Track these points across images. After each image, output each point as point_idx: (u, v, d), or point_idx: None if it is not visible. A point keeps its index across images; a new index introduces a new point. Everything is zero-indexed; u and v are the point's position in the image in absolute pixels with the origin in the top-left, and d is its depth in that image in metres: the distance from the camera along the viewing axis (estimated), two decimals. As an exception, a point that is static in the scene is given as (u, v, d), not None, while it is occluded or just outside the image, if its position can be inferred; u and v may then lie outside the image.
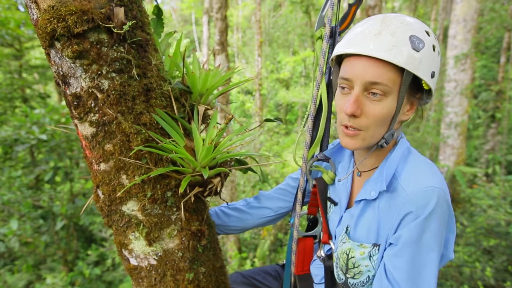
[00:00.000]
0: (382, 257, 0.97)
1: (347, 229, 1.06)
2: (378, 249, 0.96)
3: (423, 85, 0.91)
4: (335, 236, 1.15)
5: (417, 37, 0.88)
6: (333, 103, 1.08)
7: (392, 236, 0.92)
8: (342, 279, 1.05)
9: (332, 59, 1.02)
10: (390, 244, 0.93)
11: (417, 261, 0.88)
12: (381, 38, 0.87)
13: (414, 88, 0.93)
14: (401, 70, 0.88)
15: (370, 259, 0.98)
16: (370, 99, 0.90)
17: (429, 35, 0.90)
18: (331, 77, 1.09)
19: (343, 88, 0.94)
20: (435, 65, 0.92)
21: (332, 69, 1.06)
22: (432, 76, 0.91)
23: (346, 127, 0.94)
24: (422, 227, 0.87)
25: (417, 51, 0.87)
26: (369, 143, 0.95)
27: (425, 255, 0.88)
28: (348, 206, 1.11)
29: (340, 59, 0.99)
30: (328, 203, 1.20)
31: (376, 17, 0.93)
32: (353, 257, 1.00)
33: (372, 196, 0.98)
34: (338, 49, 0.95)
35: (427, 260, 0.88)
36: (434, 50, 0.90)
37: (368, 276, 0.99)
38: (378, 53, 0.85)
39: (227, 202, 1.39)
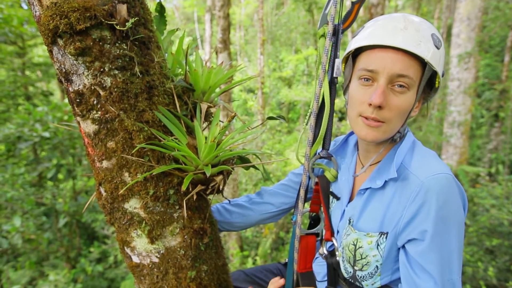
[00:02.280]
0: (390, 245, 0.97)
1: (350, 221, 1.06)
2: (386, 237, 0.97)
3: (436, 82, 0.95)
4: (337, 231, 1.15)
5: (436, 36, 0.92)
6: (336, 101, 1.08)
7: (411, 228, 0.92)
8: (350, 272, 1.05)
9: (349, 52, 1.01)
10: (414, 239, 0.92)
11: (447, 250, 0.89)
12: (408, 32, 0.89)
13: (427, 84, 0.97)
14: (423, 65, 0.91)
15: (377, 248, 0.98)
16: (394, 91, 0.92)
17: (439, 34, 0.95)
18: (334, 75, 1.09)
19: (365, 79, 0.94)
20: (444, 62, 0.96)
21: (344, 62, 1.06)
22: (443, 75, 0.95)
23: (367, 118, 0.94)
24: (443, 215, 0.88)
25: (438, 48, 0.91)
26: (387, 136, 0.97)
27: (453, 240, 0.89)
28: (350, 200, 1.12)
29: (357, 52, 0.99)
30: (331, 198, 1.20)
31: (393, 15, 0.96)
32: (361, 247, 1.00)
33: (378, 185, 0.99)
34: (360, 42, 0.95)
35: (455, 244, 0.89)
36: (444, 48, 0.94)
37: (376, 266, 0.99)
38: (409, 46, 0.87)
39: (229, 200, 1.39)
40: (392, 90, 0.92)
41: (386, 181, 0.98)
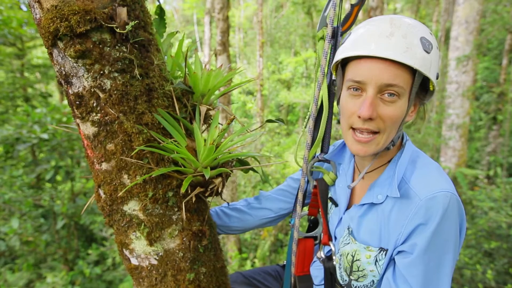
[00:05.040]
0: (388, 262, 0.96)
1: (349, 230, 1.05)
2: (385, 254, 0.95)
3: (430, 86, 0.92)
4: (335, 237, 1.15)
5: (426, 39, 0.88)
6: (335, 103, 1.08)
7: (405, 243, 0.91)
8: (346, 280, 1.05)
9: (337, 62, 0.98)
10: (403, 251, 0.92)
11: (433, 267, 0.88)
12: (394, 39, 0.85)
13: (420, 89, 0.94)
14: (413, 72, 0.88)
15: (376, 264, 0.97)
16: (384, 101, 0.88)
17: (431, 36, 0.91)
18: (333, 78, 1.09)
19: (353, 90, 0.91)
20: (439, 66, 0.92)
21: (335, 71, 1.05)
22: (437, 77, 0.92)
23: (354, 130, 0.92)
24: (438, 233, 0.86)
25: (428, 52, 0.87)
26: (381, 148, 0.93)
27: (440, 259, 0.88)
28: (348, 208, 1.11)
29: (345, 61, 0.96)
30: (329, 203, 1.20)
31: (381, 18, 0.92)
32: (358, 260, 0.99)
33: (379, 200, 0.97)
34: (346, 52, 0.92)
35: (443, 263, 0.88)
36: (438, 50, 0.91)
37: (373, 281, 0.99)
38: (395, 55, 0.84)
39: (228, 203, 1.39)
40: (382, 100, 0.88)
41: (387, 196, 0.96)
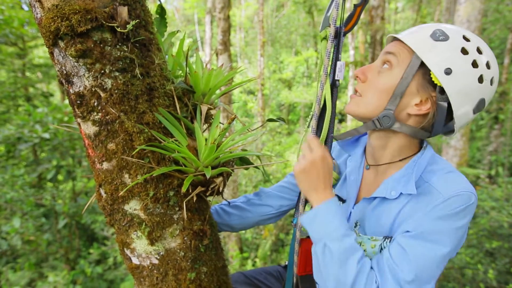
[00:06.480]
0: None
1: (356, 225, 1.06)
2: (390, 241, 0.96)
3: (432, 77, 0.90)
4: None
5: (442, 32, 0.90)
6: (337, 103, 1.09)
7: (412, 225, 0.91)
8: None
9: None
10: (407, 231, 0.91)
11: (428, 251, 0.87)
12: (414, 28, 0.97)
13: (425, 80, 0.92)
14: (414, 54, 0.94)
15: (380, 252, 0.97)
16: (380, 70, 0.98)
17: (467, 40, 0.89)
18: (336, 78, 1.09)
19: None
20: (457, 65, 0.88)
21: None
22: (447, 73, 0.88)
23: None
24: (448, 221, 0.87)
25: (434, 40, 0.89)
26: (360, 109, 1.01)
27: (437, 247, 0.87)
28: (356, 202, 1.11)
29: None
30: None
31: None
32: (364, 251, 0.99)
33: (392, 196, 0.97)
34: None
35: (437, 253, 0.87)
36: (463, 52, 0.88)
37: None
38: (400, 35, 0.97)
39: (228, 202, 1.38)
40: (379, 69, 0.99)
41: (401, 193, 0.97)
